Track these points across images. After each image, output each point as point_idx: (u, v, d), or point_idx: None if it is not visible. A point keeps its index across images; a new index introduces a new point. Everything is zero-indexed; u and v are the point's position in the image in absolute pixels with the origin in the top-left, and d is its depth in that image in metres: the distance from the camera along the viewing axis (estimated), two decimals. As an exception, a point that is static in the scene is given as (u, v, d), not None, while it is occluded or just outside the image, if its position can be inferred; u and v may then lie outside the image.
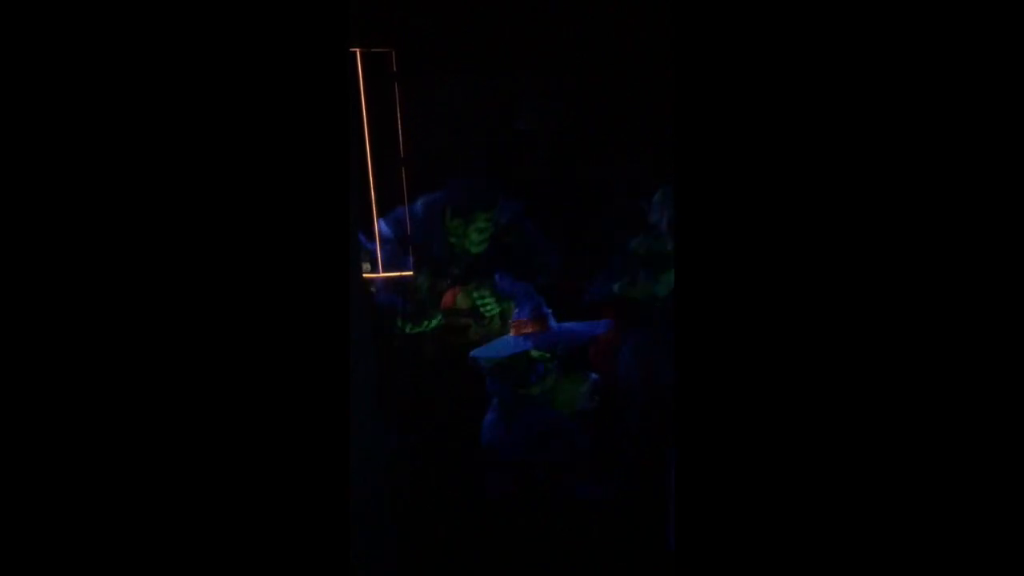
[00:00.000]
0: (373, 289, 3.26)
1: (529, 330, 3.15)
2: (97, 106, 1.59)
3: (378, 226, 3.30)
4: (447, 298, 3.36)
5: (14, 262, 1.58)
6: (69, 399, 1.61)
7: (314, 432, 1.68)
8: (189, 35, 1.61)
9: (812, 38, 1.63)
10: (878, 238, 1.64)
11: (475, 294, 3.30)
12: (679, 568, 1.75)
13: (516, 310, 3.21)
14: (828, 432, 1.66)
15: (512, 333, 3.19)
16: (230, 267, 1.64)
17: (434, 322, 3.32)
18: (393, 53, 3.23)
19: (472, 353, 3.14)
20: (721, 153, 1.66)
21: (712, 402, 1.70)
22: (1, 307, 1.58)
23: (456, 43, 3.36)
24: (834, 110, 1.63)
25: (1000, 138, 1.59)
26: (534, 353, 3.13)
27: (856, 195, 1.63)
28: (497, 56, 3.37)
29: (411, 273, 3.30)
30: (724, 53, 1.64)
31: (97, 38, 1.58)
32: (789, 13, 1.62)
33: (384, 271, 3.26)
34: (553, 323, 3.19)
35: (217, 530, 1.65)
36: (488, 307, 3.30)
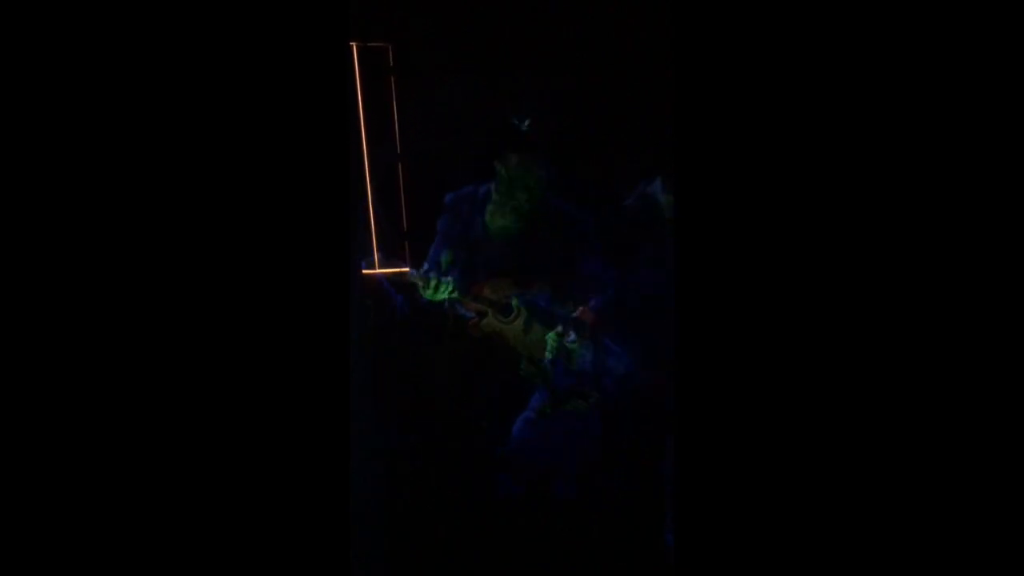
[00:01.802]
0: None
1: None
2: (96, 97, 1.59)
3: (374, 221, 3.24)
4: (477, 287, 3.26)
5: (14, 262, 1.58)
6: (68, 397, 1.61)
7: (314, 432, 1.68)
8: (186, 32, 1.61)
9: (812, 39, 1.63)
10: (874, 239, 1.64)
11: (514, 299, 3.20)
12: (678, 569, 1.75)
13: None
14: (827, 431, 1.67)
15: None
16: (228, 264, 1.64)
17: (445, 291, 3.14)
18: (390, 48, 3.21)
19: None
20: (720, 152, 1.67)
21: (711, 402, 1.71)
22: (1, 307, 1.58)
23: (455, 40, 3.34)
24: (835, 111, 1.63)
25: (999, 138, 1.60)
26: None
27: (854, 202, 1.64)
28: (496, 54, 3.34)
29: (408, 269, 3.27)
30: (724, 53, 1.65)
31: (95, 30, 1.58)
32: (788, 14, 1.63)
33: (380, 267, 3.23)
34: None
35: (217, 529, 1.65)
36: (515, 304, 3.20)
